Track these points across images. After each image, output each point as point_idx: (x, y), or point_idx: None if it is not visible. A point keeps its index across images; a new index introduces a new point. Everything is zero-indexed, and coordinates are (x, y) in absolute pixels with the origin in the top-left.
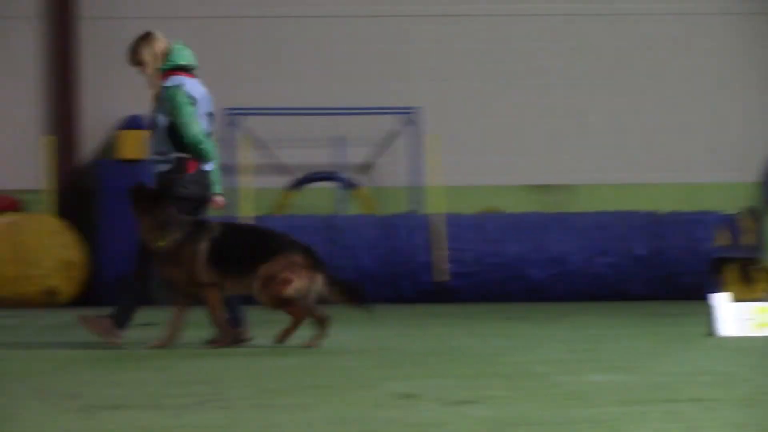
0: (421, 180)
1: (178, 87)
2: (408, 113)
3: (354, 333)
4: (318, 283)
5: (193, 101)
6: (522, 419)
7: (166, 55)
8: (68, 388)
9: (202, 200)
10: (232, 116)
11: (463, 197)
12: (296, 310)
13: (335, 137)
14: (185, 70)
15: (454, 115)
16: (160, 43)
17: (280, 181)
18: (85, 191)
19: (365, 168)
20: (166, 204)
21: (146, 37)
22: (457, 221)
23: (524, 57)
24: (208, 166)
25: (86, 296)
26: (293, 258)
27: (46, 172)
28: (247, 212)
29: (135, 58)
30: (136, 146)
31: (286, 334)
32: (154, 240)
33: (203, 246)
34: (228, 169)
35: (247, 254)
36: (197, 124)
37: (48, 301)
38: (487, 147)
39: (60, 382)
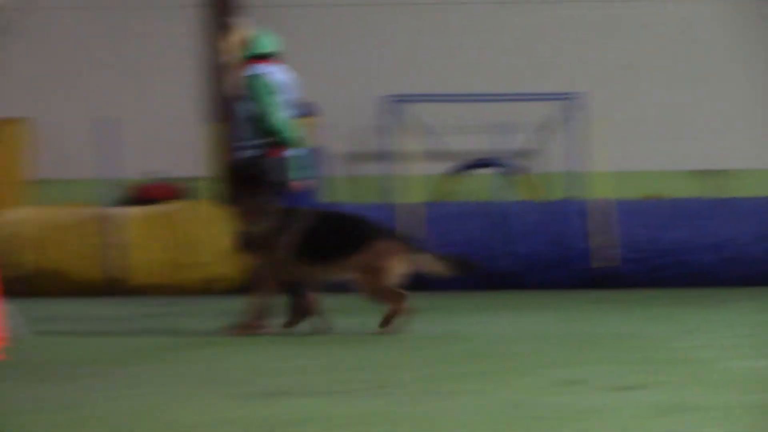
0: (582, 165)
1: (258, 76)
2: (571, 99)
3: (518, 319)
4: (415, 265)
5: (274, 89)
6: (687, 404)
7: (247, 44)
8: (231, 376)
9: (283, 185)
10: (396, 103)
11: (625, 182)
12: (394, 296)
13: (499, 123)
14: (267, 57)
15: (616, 100)
16: (241, 33)
17: (443, 168)
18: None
19: (528, 153)
20: (263, 189)
21: (227, 28)
22: (619, 207)
23: (687, 42)
24: (291, 152)
25: (246, 283)
26: (384, 245)
27: (207, 159)
28: (410, 199)
29: (222, 49)
30: (303, 134)
31: (388, 321)
32: (247, 224)
33: (292, 238)
34: (392, 156)
35: (336, 243)
36: (278, 112)
37: (208, 288)
38: (649, 132)
39: (223, 369)
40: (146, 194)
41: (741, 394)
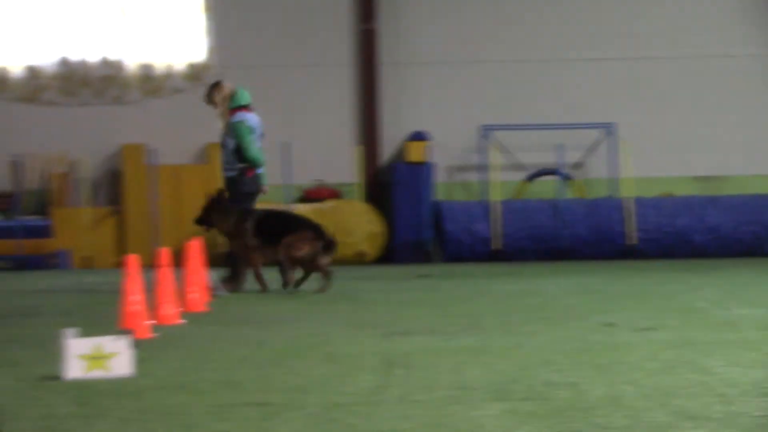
0: (616, 173)
1: (241, 122)
2: (607, 126)
3: (572, 280)
4: (320, 248)
5: (252, 130)
6: (689, 341)
7: (231, 96)
8: (370, 321)
9: (257, 192)
10: (486, 131)
11: (647, 185)
12: (309, 267)
13: (557, 143)
14: (246, 107)
15: (640, 125)
16: (227, 89)
17: (519, 176)
18: (385, 184)
19: (578, 165)
20: (225, 201)
21: (216, 85)
22: (643, 202)
23: (694, 85)
24: (260, 170)
25: (385, 257)
26: (305, 233)
27: (357, 171)
28: (495, 198)
29: (209, 99)
30: (419, 153)
31: (301, 282)
32: (221, 223)
33: (249, 225)
34: (482, 168)
35: (277, 231)
36: (254, 146)
37: (359, 260)
38: (665, 145)
39: (364, 316)
40: (314, 195)
41: (727, 334)
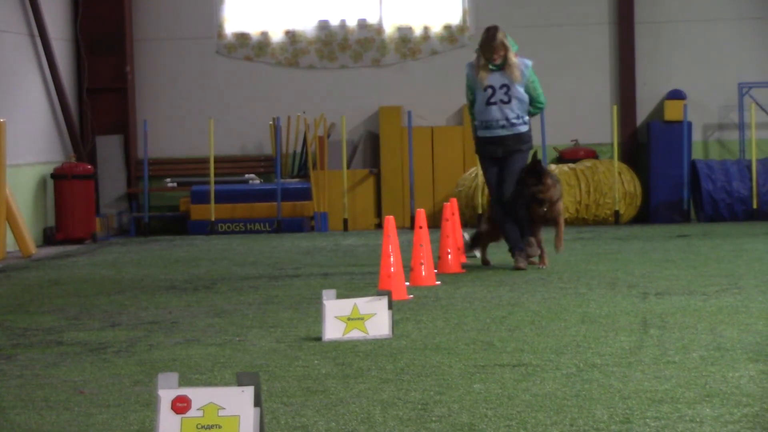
0: None
1: (532, 68)
2: None
3: None
4: None
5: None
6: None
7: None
8: (626, 281)
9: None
10: (744, 89)
11: None
12: None
13: None
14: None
15: None
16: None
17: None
18: (641, 143)
19: None
20: (545, 172)
21: (503, 31)
22: None
23: None
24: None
25: (641, 217)
26: None
27: (614, 130)
28: (754, 156)
29: (503, 48)
30: (677, 111)
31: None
32: (544, 195)
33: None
34: (740, 127)
35: None
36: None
37: (614, 220)
38: None
39: (620, 276)
40: (570, 155)
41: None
